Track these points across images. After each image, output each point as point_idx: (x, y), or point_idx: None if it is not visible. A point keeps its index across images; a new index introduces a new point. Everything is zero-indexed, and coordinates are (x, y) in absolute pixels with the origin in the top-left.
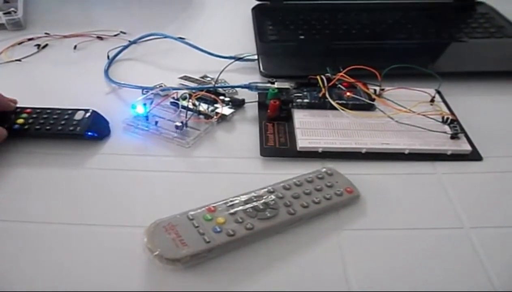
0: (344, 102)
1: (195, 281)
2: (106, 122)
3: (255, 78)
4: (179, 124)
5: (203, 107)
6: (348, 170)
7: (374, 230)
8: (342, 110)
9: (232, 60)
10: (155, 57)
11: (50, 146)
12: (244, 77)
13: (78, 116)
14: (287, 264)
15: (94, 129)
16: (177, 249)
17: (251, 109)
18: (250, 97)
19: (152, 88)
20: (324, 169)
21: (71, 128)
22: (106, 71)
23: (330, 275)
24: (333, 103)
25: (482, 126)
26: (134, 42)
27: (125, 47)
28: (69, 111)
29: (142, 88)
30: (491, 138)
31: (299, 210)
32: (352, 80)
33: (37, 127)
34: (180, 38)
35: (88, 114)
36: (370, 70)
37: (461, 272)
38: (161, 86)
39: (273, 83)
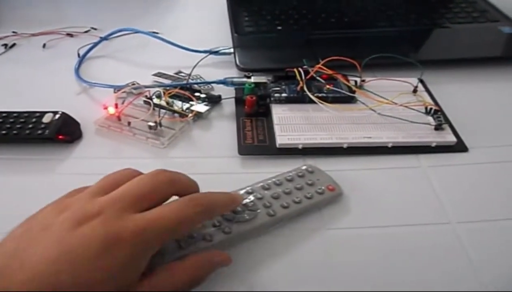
0: (323, 95)
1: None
2: (77, 124)
3: (232, 72)
4: (152, 124)
5: (177, 105)
6: (330, 166)
7: (358, 229)
8: (321, 103)
9: (206, 55)
10: (127, 54)
11: (18, 152)
12: (220, 72)
13: (47, 118)
14: (267, 270)
15: (64, 132)
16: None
17: (229, 105)
18: (228, 93)
19: (124, 87)
20: (304, 167)
21: (40, 131)
22: (77, 70)
23: (314, 278)
24: (312, 96)
25: (467, 116)
26: (105, 38)
27: (96, 44)
28: (37, 114)
29: (114, 87)
30: (477, 128)
31: (279, 211)
32: (330, 72)
33: (3, 132)
34: (153, 32)
35: (57, 116)
36: (349, 61)
37: (448, 269)
38: (134, 84)
39: (249, 77)
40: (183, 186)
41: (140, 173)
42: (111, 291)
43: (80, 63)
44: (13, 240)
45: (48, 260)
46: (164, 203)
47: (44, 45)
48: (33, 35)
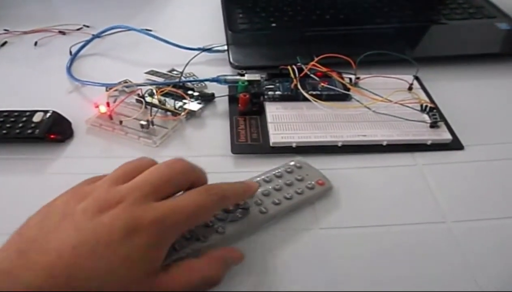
0: (318, 93)
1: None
2: (68, 123)
3: (226, 70)
4: (144, 123)
5: (169, 103)
6: (325, 165)
7: (353, 228)
8: (316, 101)
9: (198, 52)
10: (120, 51)
11: (8, 151)
12: (214, 69)
13: (37, 117)
14: (261, 267)
15: (55, 131)
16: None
17: (222, 104)
18: (221, 91)
19: (116, 85)
20: (292, 162)
21: (30, 131)
22: (69, 68)
23: (308, 275)
24: (306, 94)
25: (463, 113)
26: (98, 36)
27: (88, 41)
28: (27, 113)
29: (106, 85)
30: (473, 125)
31: (271, 208)
32: (325, 69)
33: None
34: (146, 30)
35: (48, 115)
36: (344, 58)
37: (443, 269)
38: (126, 82)
39: (242, 75)
40: (197, 175)
41: (156, 162)
42: (132, 279)
43: (72, 61)
44: (33, 227)
45: (70, 245)
46: (177, 194)
47: (35, 43)
48: (25, 33)
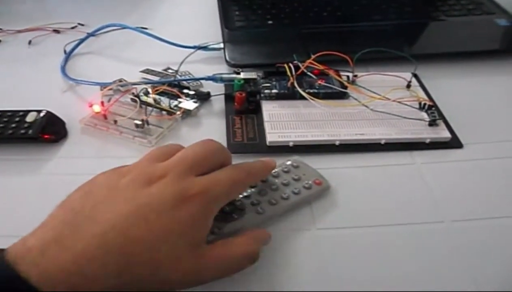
0: (315, 91)
1: None
2: (62, 123)
3: (222, 68)
4: (139, 122)
5: (164, 102)
6: (322, 164)
7: (350, 228)
8: (313, 100)
9: (193, 50)
10: (115, 50)
11: (1, 152)
12: (210, 68)
13: (31, 117)
14: (257, 268)
15: (49, 131)
16: None
17: (218, 102)
18: (217, 90)
19: (110, 84)
20: (289, 162)
21: (23, 131)
22: (63, 67)
23: (305, 276)
24: (303, 93)
25: (462, 111)
26: (92, 34)
27: (83, 40)
28: (20, 113)
29: (101, 84)
30: (472, 123)
31: (268, 209)
32: (322, 67)
33: None
34: (142, 28)
35: (41, 115)
36: (341, 55)
37: (442, 270)
38: (121, 81)
39: (239, 73)
40: (227, 155)
41: (184, 147)
42: (182, 248)
43: (66, 60)
44: (76, 200)
45: (121, 215)
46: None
47: (30, 42)
48: (19, 31)
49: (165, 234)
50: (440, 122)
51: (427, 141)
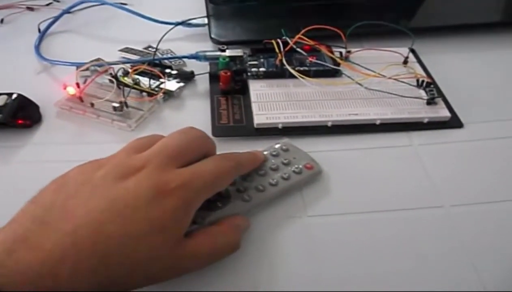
0: (305, 69)
1: None
2: (36, 107)
3: (207, 46)
4: (117, 105)
5: (144, 83)
6: (313, 147)
7: (343, 215)
8: (303, 78)
9: (172, 26)
10: (92, 28)
11: None
12: (194, 45)
13: (0, 101)
14: (243, 258)
15: (21, 115)
16: None
17: (203, 82)
18: (202, 69)
19: (86, 64)
20: (278, 145)
21: None
22: (37, 47)
23: (295, 265)
24: (292, 70)
25: (462, 88)
26: (68, 11)
27: (57, 17)
28: None
29: (77, 64)
30: (473, 101)
31: (255, 196)
32: (312, 42)
33: None
34: (121, 4)
35: (12, 99)
36: (333, 29)
37: (441, 257)
38: (98, 60)
39: (224, 50)
40: (210, 144)
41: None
42: (161, 244)
43: (40, 39)
44: (48, 195)
45: (95, 210)
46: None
47: (2, 20)
48: None
49: (142, 231)
50: (439, 100)
51: (425, 120)
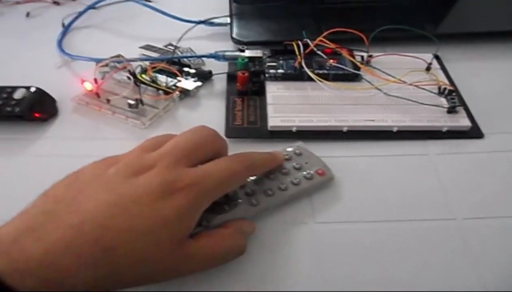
0: (324, 72)
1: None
2: (53, 101)
3: (228, 45)
4: (132, 102)
5: (162, 81)
6: (327, 152)
7: (352, 223)
8: (321, 81)
9: (194, 25)
10: (115, 24)
11: None
12: (215, 45)
13: (19, 94)
14: (248, 263)
15: (38, 109)
16: None
17: (220, 82)
18: (221, 69)
19: (105, 60)
20: (291, 149)
21: (9, 109)
22: (59, 42)
23: (300, 272)
24: (311, 73)
25: (485, 98)
26: (92, 6)
27: (82, 13)
28: (8, 89)
29: (97, 60)
30: (496, 112)
31: (263, 200)
32: (333, 45)
33: None
34: (145, 1)
35: (30, 92)
36: (355, 33)
37: (450, 271)
38: (118, 57)
39: (243, 51)
40: (222, 143)
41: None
42: (165, 242)
43: (64, 34)
44: (60, 188)
45: (103, 204)
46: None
47: (27, 14)
48: (17, 3)
49: (147, 227)
50: (460, 109)
51: (444, 129)
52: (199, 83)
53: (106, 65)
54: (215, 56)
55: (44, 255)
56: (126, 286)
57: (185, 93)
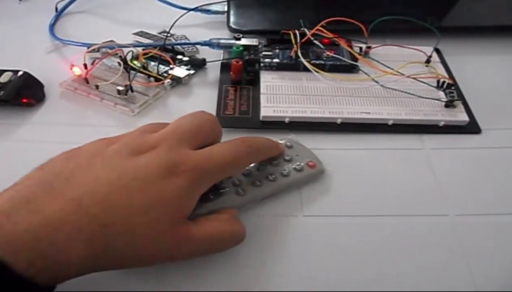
0: (321, 62)
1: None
2: (40, 85)
3: (224, 34)
4: (121, 88)
5: (153, 68)
6: (320, 144)
7: (341, 217)
8: (317, 72)
9: (186, 11)
10: (110, 9)
11: None
12: (211, 33)
13: (5, 78)
14: (232, 256)
15: (24, 94)
16: None
17: (214, 71)
18: (216, 57)
19: (96, 45)
20: (282, 141)
21: None
22: (51, 26)
23: (286, 266)
24: (307, 63)
25: (485, 93)
26: None
27: None
28: None
29: (88, 45)
30: (495, 107)
31: (250, 190)
32: (331, 35)
33: None
34: None
35: (17, 76)
36: (354, 22)
37: (441, 269)
38: (111, 42)
39: (239, 39)
40: (219, 130)
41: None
42: (164, 222)
43: (56, 18)
44: (58, 162)
45: (103, 180)
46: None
47: None
48: None
49: (146, 205)
50: (459, 103)
51: (441, 124)
52: (191, 71)
53: (98, 50)
54: (209, 43)
55: (39, 229)
56: (120, 265)
57: (176, 80)
